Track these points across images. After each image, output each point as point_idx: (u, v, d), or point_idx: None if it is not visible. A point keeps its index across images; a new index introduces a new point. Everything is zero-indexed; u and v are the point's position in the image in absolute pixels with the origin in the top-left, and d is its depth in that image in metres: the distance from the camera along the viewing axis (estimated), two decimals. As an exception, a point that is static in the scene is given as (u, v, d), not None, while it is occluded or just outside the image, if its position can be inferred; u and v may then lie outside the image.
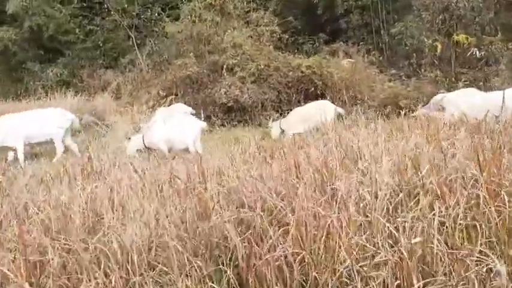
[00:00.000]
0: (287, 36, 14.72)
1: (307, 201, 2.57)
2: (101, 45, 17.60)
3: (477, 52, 13.04)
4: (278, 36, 14.17)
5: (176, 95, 12.27)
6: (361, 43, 15.83)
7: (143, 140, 8.51)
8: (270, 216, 2.60)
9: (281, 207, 2.62)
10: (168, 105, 10.95)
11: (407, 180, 2.95)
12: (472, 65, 13.18)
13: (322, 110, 9.80)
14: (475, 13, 13.43)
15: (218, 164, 3.99)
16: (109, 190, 3.41)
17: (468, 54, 13.02)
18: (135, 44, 16.46)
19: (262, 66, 12.35)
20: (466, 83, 12.02)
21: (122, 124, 9.79)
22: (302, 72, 12.31)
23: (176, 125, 8.91)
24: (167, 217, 2.73)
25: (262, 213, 2.55)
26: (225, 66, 12.38)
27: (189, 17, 13.85)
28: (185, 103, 11.08)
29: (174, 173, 3.57)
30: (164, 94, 12.42)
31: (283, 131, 9.83)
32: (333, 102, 10.70)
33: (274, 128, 9.93)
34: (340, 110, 9.87)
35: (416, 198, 2.77)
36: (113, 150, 6.69)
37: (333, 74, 12.37)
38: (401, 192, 2.81)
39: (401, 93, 11.79)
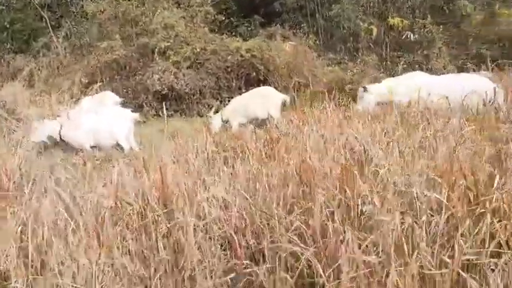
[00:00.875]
0: (222, 18, 13.65)
1: (345, 243, 1.65)
2: (8, 26, 15.30)
3: (411, 35, 13.45)
4: (213, 17, 13.08)
5: (102, 81, 10.82)
6: (298, 26, 15.28)
7: (60, 130, 7.16)
8: (289, 272, 1.63)
9: (309, 258, 1.66)
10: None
11: (459, 195, 2.13)
12: (407, 48, 13.42)
13: (266, 98, 9.15)
14: (407, -4, 13.68)
15: (174, 172, 2.92)
16: (19, 229, 2.22)
17: (403, 37, 13.34)
18: (49, 26, 14.47)
19: (198, 50, 11.24)
20: (404, 66, 12.28)
21: (37, 117, 8.22)
22: (242, 56, 11.34)
23: (103, 117, 7.68)
24: (120, 280, 1.65)
25: (279, 268, 1.58)
26: (156, 50, 11.09)
27: (112, -6, 12.31)
28: (112, 91, 9.75)
29: (120, 195, 2.45)
30: (87, 81, 10.94)
31: (226, 122, 8.96)
32: (276, 88, 10.04)
33: (215, 119, 9.01)
34: (285, 96, 9.21)
35: (483, 222, 1.95)
36: (27, 154, 5.28)
37: (275, 58, 11.58)
38: (461, 216, 1.97)
39: (345, 78, 11.51)
